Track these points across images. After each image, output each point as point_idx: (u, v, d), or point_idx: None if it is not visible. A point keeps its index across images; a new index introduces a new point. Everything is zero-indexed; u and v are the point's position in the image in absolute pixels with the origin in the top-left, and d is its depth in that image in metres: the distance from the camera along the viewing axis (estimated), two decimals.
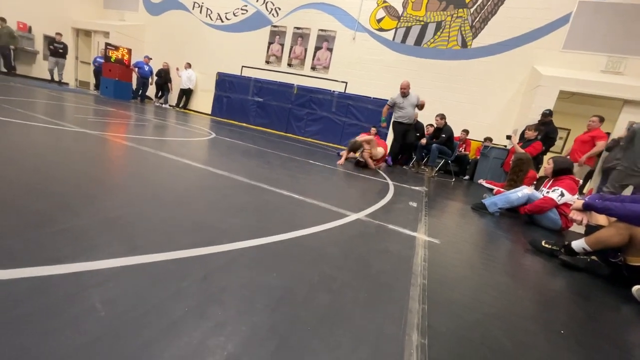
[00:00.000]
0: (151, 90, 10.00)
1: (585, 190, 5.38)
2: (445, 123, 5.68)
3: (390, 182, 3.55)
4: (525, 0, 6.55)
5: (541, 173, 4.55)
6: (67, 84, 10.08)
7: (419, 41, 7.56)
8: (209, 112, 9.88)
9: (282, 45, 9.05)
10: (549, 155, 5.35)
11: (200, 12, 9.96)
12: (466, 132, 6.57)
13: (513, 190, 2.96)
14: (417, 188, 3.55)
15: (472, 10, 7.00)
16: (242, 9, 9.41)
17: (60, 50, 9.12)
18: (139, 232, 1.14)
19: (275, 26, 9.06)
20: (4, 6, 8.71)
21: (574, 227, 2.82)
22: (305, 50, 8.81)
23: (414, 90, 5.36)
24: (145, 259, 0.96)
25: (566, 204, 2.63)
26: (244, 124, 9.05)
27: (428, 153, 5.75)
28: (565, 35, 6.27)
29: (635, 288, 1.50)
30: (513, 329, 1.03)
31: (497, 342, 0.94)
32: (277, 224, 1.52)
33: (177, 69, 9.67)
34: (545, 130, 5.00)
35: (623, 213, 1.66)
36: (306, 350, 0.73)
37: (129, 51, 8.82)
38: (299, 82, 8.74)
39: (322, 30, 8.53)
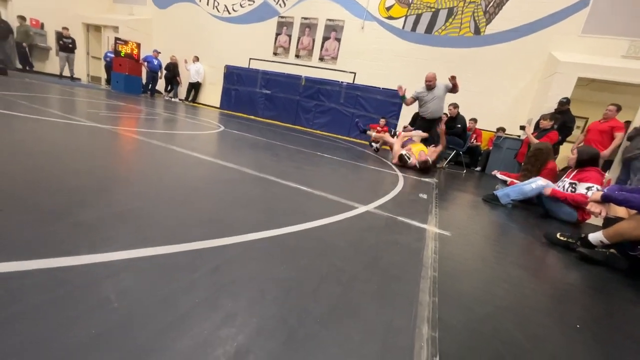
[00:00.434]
0: (160, 84, 10.08)
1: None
2: (459, 112, 5.54)
3: (400, 174, 3.51)
4: None
5: (561, 164, 4.41)
6: (79, 79, 10.26)
7: (429, 29, 7.36)
8: (218, 105, 9.92)
9: (290, 36, 8.95)
10: (565, 145, 5.20)
11: (207, 4, 9.91)
12: (474, 120, 6.40)
13: (527, 181, 2.88)
14: (427, 180, 3.50)
15: None
16: (249, 0, 9.31)
17: (70, 45, 9.17)
18: (150, 224, 1.15)
19: (282, 17, 8.95)
20: (18, 3, 8.86)
21: (591, 220, 2.73)
22: (313, 40, 8.69)
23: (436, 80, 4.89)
24: (157, 251, 0.97)
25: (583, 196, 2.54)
26: (252, 117, 9.06)
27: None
28: (584, 19, 5.99)
29: None
30: (526, 322, 1.01)
31: (510, 336, 0.92)
32: (285, 216, 1.52)
33: (185, 62, 9.70)
34: (562, 119, 4.83)
35: None
36: (315, 343, 0.73)
37: (138, 45, 8.88)
38: (307, 73, 8.65)
39: (329, 20, 8.38)
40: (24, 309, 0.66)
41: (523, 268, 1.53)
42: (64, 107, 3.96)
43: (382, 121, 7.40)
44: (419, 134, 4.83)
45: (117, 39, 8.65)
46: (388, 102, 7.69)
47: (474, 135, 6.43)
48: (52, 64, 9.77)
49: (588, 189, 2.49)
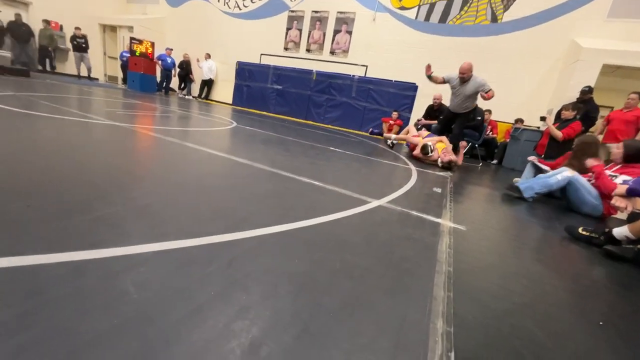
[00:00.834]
0: (174, 82, 10.25)
1: None
2: (477, 105, 5.37)
3: (413, 168, 3.46)
4: None
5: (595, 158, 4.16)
6: (97, 79, 10.57)
7: (443, 18, 7.15)
8: (230, 102, 10.01)
9: (300, 30, 8.89)
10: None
11: (219, 0, 9.96)
12: (489, 112, 6.20)
13: (551, 172, 2.76)
14: (441, 174, 3.43)
15: None
16: None
17: (83, 45, 9.27)
18: (167, 219, 1.18)
19: (292, 11, 8.90)
20: (39, 7, 9.18)
21: (617, 214, 2.61)
22: (324, 34, 8.61)
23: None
24: (173, 245, 1.00)
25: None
26: (264, 113, 9.10)
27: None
28: (610, 3, 5.66)
29: None
30: (546, 319, 0.98)
31: (528, 332, 0.89)
32: (298, 211, 1.52)
33: (198, 60, 9.81)
34: (585, 108, 4.61)
35: None
36: (328, 337, 0.73)
37: (152, 44, 9.04)
38: (318, 67, 8.60)
39: (340, 12, 8.27)
40: (49, 299, 0.69)
41: (543, 263, 1.48)
42: (83, 106, 4.09)
43: (395, 114, 7.28)
44: (432, 138, 4.53)
45: (132, 38, 8.83)
46: (401, 95, 7.55)
47: (490, 127, 6.25)
48: (72, 64, 10.09)
49: (625, 182, 2.35)
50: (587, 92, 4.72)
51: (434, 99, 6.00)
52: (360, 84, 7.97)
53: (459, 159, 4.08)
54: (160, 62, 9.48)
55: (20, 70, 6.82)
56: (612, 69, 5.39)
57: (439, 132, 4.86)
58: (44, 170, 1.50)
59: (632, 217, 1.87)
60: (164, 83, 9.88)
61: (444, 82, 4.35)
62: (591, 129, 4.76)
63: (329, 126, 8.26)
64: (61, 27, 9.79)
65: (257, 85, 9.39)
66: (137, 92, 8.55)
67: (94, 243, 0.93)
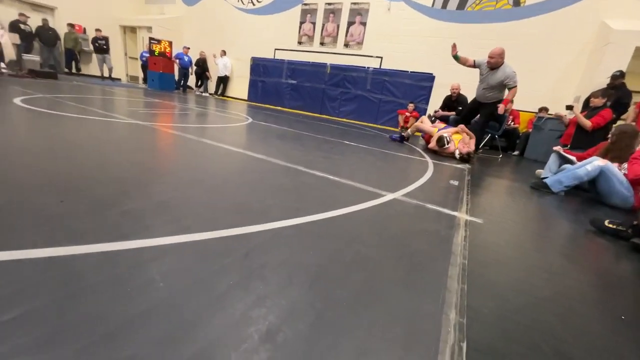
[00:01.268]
0: (192, 80, 10.49)
1: None
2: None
3: (429, 160, 3.40)
4: None
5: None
6: (119, 79, 10.97)
7: (462, 4, 6.89)
8: (246, 98, 10.14)
9: (314, 23, 8.83)
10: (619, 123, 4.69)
11: None
12: (511, 101, 5.95)
13: (580, 163, 2.63)
14: (458, 166, 3.36)
15: None
16: None
17: (104, 47, 9.62)
18: (187, 213, 1.24)
19: (305, 4, 8.84)
20: (63, 11, 9.59)
21: None
22: (338, 26, 8.51)
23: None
24: (193, 238, 1.05)
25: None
26: (279, 108, 9.16)
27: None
28: None
29: None
30: (567, 314, 0.96)
31: (548, 326, 0.88)
32: (313, 205, 1.55)
33: (214, 56, 9.97)
34: (616, 95, 4.34)
35: None
36: (342, 326, 0.75)
37: (170, 43, 9.27)
38: (332, 60, 8.53)
39: (354, 3, 8.14)
40: (84, 287, 0.75)
41: (565, 257, 1.44)
42: (107, 106, 4.28)
43: (411, 106, 7.15)
44: (449, 130, 4.37)
45: (151, 38, 9.09)
46: (417, 86, 7.39)
47: (511, 117, 6.01)
48: (95, 66, 10.51)
49: None
50: (618, 77, 4.44)
51: (452, 89, 5.82)
52: (375, 76, 7.85)
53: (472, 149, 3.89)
54: (177, 60, 9.72)
55: (48, 73, 7.19)
56: None
57: (458, 121, 4.62)
58: (74, 167, 1.60)
59: None
60: (182, 81, 10.13)
61: (473, 65, 4.06)
62: (623, 117, 4.49)
63: (344, 120, 8.21)
64: (84, 30, 10.20)
65: (271, 81, 9.45)
66: (157, 90, 8.82)
67: (123, 235, 1.00)
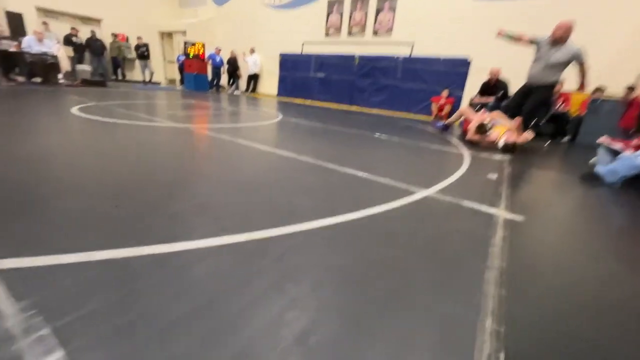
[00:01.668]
0: (224, 79, 10.87)
1: None
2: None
3: (465, 153, 3.24)
4: None
5: None
6: (159, 83, 11.68)
7: None
8: (276, 94, 10.31)
9: (341, 14, 8.68)
10: None
11: None
12: (560, 83, 5.41)
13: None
14: (497, 158, 3.16)
15: None
16: None
17: (145, 53, 10.41)
18: (225, 214, 1.32)
19: None
20: (109, 22, 10.39)
21: None
22: (366, 14, 8.28)
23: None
24: (231, 239, 1.12)
25: None
26: (309, 101, 9.20)
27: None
28: None
29: None
30: (620, 329, 0.89)
31: (595, 340, 0.83)
32: (343, 204, 1.57)
33: (244, 54, 10.22)
34: None
35: None
36: (374, 329, 0.77)
37: (203, 45, 9.65)
38: (361, 51, 8.35)
39: None
40: (138, 288, 0.84)
41: (625, 262, 1.32)
42: (149, 110, 4.60)
43: (445, 92, 6.81)
44: (503, 121, 4.05)
45: (186, 42, 9.53)
46: (451, 72, 7.01)
47: (561, 100, 5.49)
48: (138, 71, 11.30)
49: None
50: None
51: (491, 74, 5.44)
52: (406, 63, 7.58)
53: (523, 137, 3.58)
54: (210, 61, 10.11)
55: (99, 82, 7.87)
56: None
57: (510, 109, 4.13)
58: (125, 172, 1.76)
59: None
60: (215, 81, 10.54)
61: (530, 43, 3.61)
62: None
63: (374, 110, 8.05)
64: (127, 39, 10.96)
65: (300, 75, 9.50)
66: (193, 91, 9.27)
67: (169, 237, 1.09)
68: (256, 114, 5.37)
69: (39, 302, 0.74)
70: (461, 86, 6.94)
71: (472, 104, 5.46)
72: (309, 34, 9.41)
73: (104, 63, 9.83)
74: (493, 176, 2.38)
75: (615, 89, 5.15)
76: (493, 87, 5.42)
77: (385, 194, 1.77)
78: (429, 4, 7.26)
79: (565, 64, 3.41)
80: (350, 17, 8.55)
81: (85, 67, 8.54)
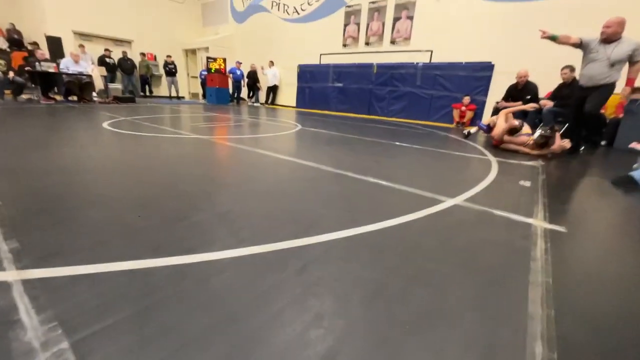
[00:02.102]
0: (244, 92, 11.18)
1: None
2: (575, 77, 4.50)
3: (492, 159, 3.08)
4: None
5: None
6: (183, 97, 12.20)
7: None
8: (294, 105, 10.45)
9: (358, 24, 8.73)
10: None
11: (279, 9, 10.46)
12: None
13: None
14: (529, 163, 2.98)
15: None
16: None
17: (173, 70, 11.11)
18: (245, 225, 1.29)
19: (349, 6, 8.79)
20: (139, 43, 11.06)
21: None
22: (383, 24, 8.28)
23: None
24: (252, 251, 1.08)
25: None
26: (327, 112, 9.24)
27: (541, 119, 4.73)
28: None
29: None
30: None
31: None
32: (366, 214, 1.50)
33: (262, 68, 10.49)
34: None
35: None
36: (405, 351, 0.70)
37: (224, 60, 10.01)
38: (379, 60, 8.33)
39: None
40: (159, 299, 0.81)
41: None
42: (174, 123, 4.77)
43: (466, 99, 6.63)
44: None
45: (208, 57, 9.93)
46: (473, 77, 6.81)
47: None
48: (165, 87, 11.87)
49: None
50: None
51: (519, 76, 5.19)
52: (425, 70, 7.45)
53: (558, 145, 3.36)
54: (231, 75, 10.46)
55: (128, 98, 8.32)
56: None
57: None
58: (148, 183, 1.79)
59: None
60: (235, 93, 10.87)
61: (579, 44, 3.42)
62: None
63: (394, 119, 7.94)
64: (155, 57, 11.59)
65: (318, 86, 9.59)
66: (214, 104, 9.59)
67: (191, 249, 1.07)
68: (275, 124, 5.43)
69: (59, 314, 0.73)
70: (485, 91, 6.71)
71: (498, 109, 5.24)
72: (327, 46, 9.52)
73: (134, 81, 10.41)
74: (526, 183, 2.23)
75: None
76: (521, 91, 5.18)
77: (410, 203, 1.68)
78: (446, 9, 7.15)
79: (626, 60, 3.19)
80: (368, 27, 8.58)
81: (116, 86, 9.08)
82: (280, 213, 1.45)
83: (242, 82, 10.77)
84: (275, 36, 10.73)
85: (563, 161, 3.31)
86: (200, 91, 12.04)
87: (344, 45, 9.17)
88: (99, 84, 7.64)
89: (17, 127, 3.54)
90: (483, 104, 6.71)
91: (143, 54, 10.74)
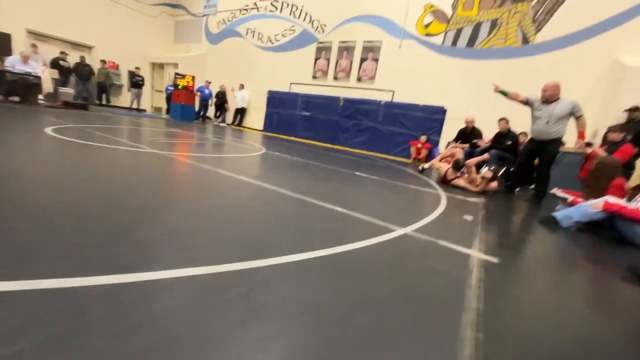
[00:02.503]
0: (211, 111, 11.04)
1: None
2: (510, 128, 5.23)
3: (442, 194, 3.34)
4: None
5: (635, 181, 3.82)
6: (144, 110, 11.67)
7: (471, 42, 7.11)
8: (261, 128, 10.50)
9: (328, 60, 9.29)
10: None
11: (253, 36, 10.79)
12: (525, 134, 5.90)
13: (594, 201, 2.55)
14: (473, 200, 3.28)
15: (533, 2, 6.38)
16: (290, 29, 9.95)
17: (140, 82, 10.73)
18: (194, 244, 1.24)
19: (321, 42, 9.37)
20: (100, 49, 10.56)
21: None
22: (351, 62, 8.90)
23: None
24: (198, 271, 1.04)
25: None
26: (293, 138, 9.40)
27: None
28: None
29: None
30: None
31: None
32: (320, 239, 1.53)
33: (232, 89, 10.54)
34: (637, 129, 4.25)
35: None
36: None
37: (193, 78, 9.89)
38: (345, 94, 8.83)
39: (367, 41, 8.56)
40: (84, 322, 0.74)
41: (592, 305, 1.34)
42: (130, 136, 4.52)
43: (423, 138, 7.20)
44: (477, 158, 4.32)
45: (176, 73, 9.76)
46: (428, 118, 7.48)
47: None
48: (124, 98, 11.29)
49: None
50: (633, 111, 4.38)
51: (467, 122, 5.85)
52: (387, 108, 8.03)
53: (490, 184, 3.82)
54: (199, 93, 10.33)
55: (80, 104, 7.73)
56: None
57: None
58: (93, 195, 1.66)
59: None
60: (202, 112, 10.68)
61: (526, 102, 3.88)
62: None
63: (356, 150, 8.31)
64: (117, 66, 11.10)
65: (286, 112, 9.81)
66: (178, 121, 9.28)
67: (131, 267, 1.00)
68: (240, 146, 5.39)
69: None
70: (438, 132, 7.38)
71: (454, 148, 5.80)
72: (297, 75, 9.91)
73: (89, 87, 9.78)
74: (469, 217, 2.44)
75: (572, 144, 5.64)
76: (470, 135, 5.80)
77: (364, 231, 1.75)
78: (408, 58, 7.95)
79: (568, 116, 3.64)
80: (337, 63, 9.16)
81: (68, 90, 8.43)
82: (233, 234, 1.42)
83: (209, 101, 10.67)
84: (247, 61, 10.95)
85: (501, 200, 3.68)
86: (164, 106, 11.65)
87: (314, 77, 9.63)
88: (47, 86, 7.07)
89: None
90: (436, 143, 7.33)
91: (104, 61, 10.24)
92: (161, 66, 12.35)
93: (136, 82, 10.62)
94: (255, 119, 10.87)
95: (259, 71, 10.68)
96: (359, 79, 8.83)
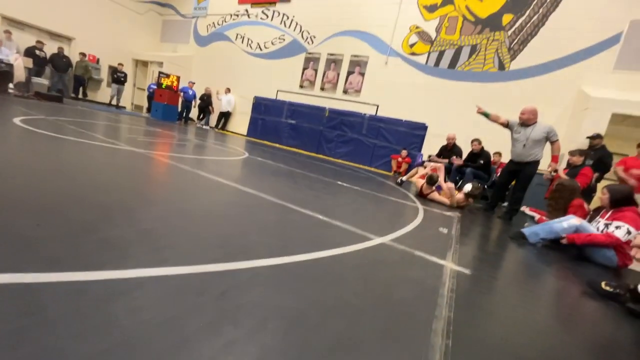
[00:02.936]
0: (194, 112, 10.83)
1: None
2: (483, 148, 5.50)
3: (420, 206, 3.43)
4: (569, 21, 6.27)
5: (596, 203, 4.09)
6: (124, 107, 11.28)
7: (453, 64, 7.48)
8: (245, 133, 10.41)
9: (316, 70, 9.43)
10: (604, 182, 4.87)
11: (242, 42, 10.80)
12: (499, 154, 6.23)
13: (558, 219, 2.70)
14: (449, 214, 3.38)
15: (509, 32, 6.83)
16: (279, 38, 10.06)
17: (122, 79, 10.39)
18: (168, 244, 1.20)
19: (310, 53, 9.51)
20: (80, 41, 10.18)
21: (634, 265, 2.48)
22: (338, 75, 9.09)
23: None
24: (170, 271, 1.00)
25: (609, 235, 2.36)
26: (277, 145, 9.37)
27: (462, 177, 5.53)
28: (616, 55, 5.85)
29: None
30: None
31: None
32: (298, 244, 1.52)
33: (217, 93, 10.43)
34: (597, 155, 4.58)
35: None
36: None
37: (178, 78, 9.72)
38: (331, 105, 8.96)
39: (354, 55, 8.79)
40: (45, 318, 0.69)
41: (554, 316, 1.40)
42: (107, 132, 4.34)
43: (404, 152, 7.39)
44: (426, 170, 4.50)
45: (160, 72, 9.55)
46: (410, 133, 7.71)
47: (500, 170, 6.22)
48: (103, 93, 10.90)
49: (617, 227, 2.33)
50: (594, 137, 4.73)
51: (448, 139, 6.08)
52: (371, 121, 8.21)
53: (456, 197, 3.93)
54: (182, 94, 10.13)
55: (54, 97, 7.37)
56: (621, 118, 5.41)
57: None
58: (59, 190, 1.57)
59: None
60: (184, 113, 10.46)
61: (507, 125, 4.03)
62: (607, 175, 4.69)
63: (339, 160, 8.39)
64: (98, 60, 10.73)
65: (271, 119, 9.79)
66: (159, 120, 9.03)
67: (95, 264, 0.95)
68: (222, 149, 5.31)
69: None
70: (419, 147, 7.61)
71: (431, 161, 5.98)
72: (284, 83, 9.98)
73: (65, 80, 9.36)
74: (444, 230, 2.51)
75: (542, 166, 5.99)
76: (450, 151, 6.03)
77: (342, 238, 1.76)
78: (393, 74, 8.23)
79: (544, 140, 3.80)
80: (324, 74, 9.31)
81: (41, 81, 8.03)
82: (210, 236, 1.39)
83: (193, 102, 10.48)
84: (235, 65, 10.92)
85: (475, 215, 3.82)
86: (146, 104, 11.33)
87: (301, 86, 9.72)
88: (19, 75, 6.71)
89: None
90: (418, 157, 7.56)
91: (83, 54, 9.85)
92: (145, 64, 12.06)
93: (118, 78, 10.30)
94: (240, 123, 10.78)
95: (246, 76, 10.67)
96: (345, 91, 9.01)
